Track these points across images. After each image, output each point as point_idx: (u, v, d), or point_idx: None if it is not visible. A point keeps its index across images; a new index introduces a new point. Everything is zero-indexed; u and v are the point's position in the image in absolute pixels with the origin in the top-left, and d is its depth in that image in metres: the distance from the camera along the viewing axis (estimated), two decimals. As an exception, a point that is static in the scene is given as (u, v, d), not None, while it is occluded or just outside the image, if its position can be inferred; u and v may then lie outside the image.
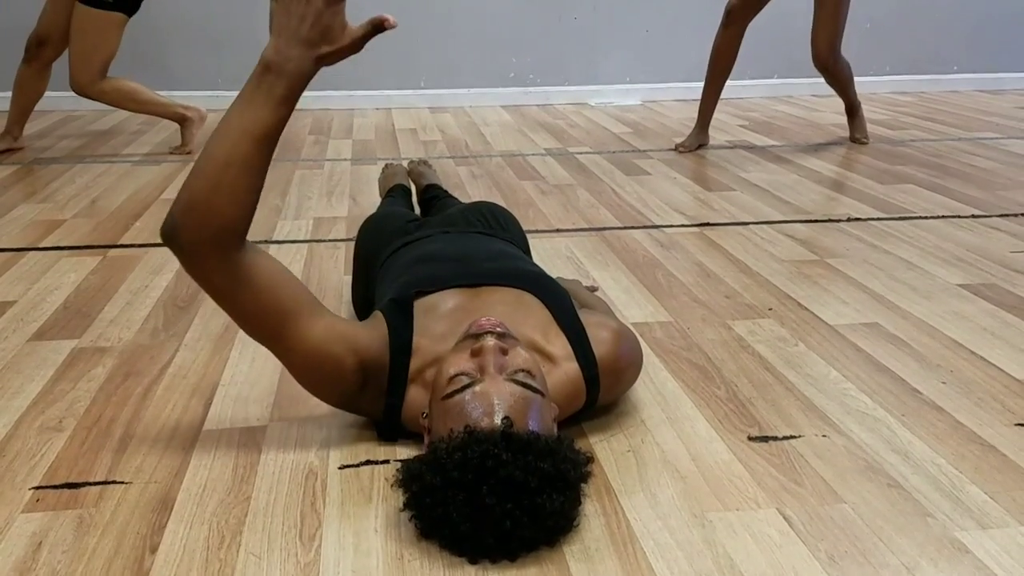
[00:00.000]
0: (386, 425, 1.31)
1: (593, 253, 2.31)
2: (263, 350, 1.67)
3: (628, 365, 1.38)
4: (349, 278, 2.04)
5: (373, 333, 1.29)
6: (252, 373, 1.60)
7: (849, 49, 5.09)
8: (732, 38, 3.46)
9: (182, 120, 3.54)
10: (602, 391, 1.33)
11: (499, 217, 1.89)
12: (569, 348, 1.30)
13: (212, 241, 1.16)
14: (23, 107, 3.45)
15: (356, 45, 1.15)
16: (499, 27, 4.87)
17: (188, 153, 3.48)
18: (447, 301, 1.36)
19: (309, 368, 1.27)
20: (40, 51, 3.33)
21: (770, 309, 1.90)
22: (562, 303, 1.39)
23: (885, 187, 2.98)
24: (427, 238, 1.68)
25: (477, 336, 1.19)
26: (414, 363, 1.27)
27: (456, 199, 2.50)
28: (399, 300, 1.35)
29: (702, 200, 2.85)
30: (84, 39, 3.23)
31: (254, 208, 1.18)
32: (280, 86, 1.13)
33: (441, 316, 1.33)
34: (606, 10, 4.94)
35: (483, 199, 2.81)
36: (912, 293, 1.99)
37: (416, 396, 1.28)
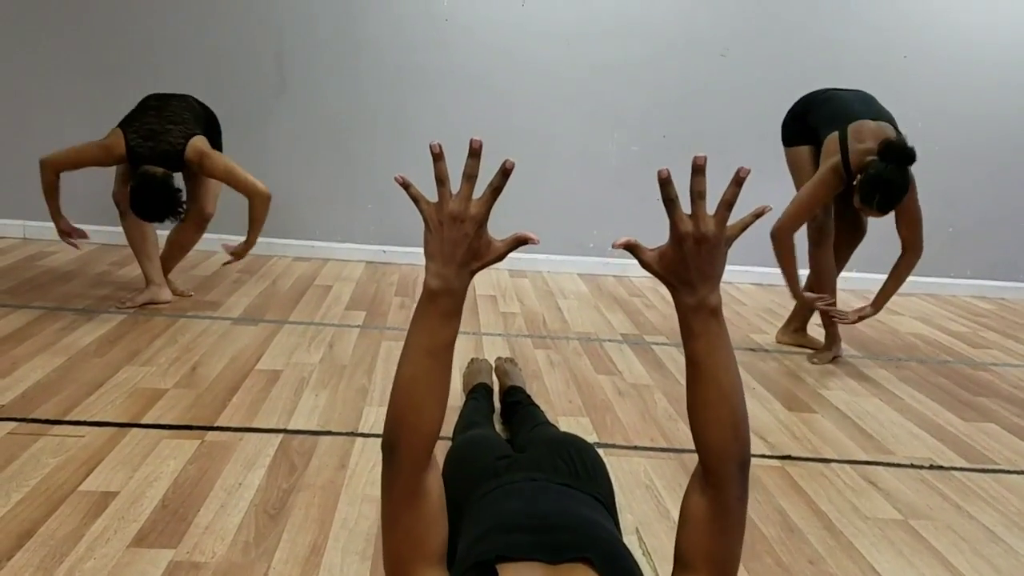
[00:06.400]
0: None
1: (671, 482, 2.32)
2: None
3: None
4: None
5: None
6: (339, 613, 1.63)
7: (931, 251, 5.13)
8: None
9: (147, 282, 3.65)
10: None
11: (587, 462, 1.92)
12: None
13: (411, 456, 1.23)
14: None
15: (501, 257, 1.25)
16: (583, 200, 5.04)
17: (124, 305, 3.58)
18: (523, 574, 1.39)
19: None
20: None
21: (854, 585, 1.88)
22: None
23: (966, 425, 2.95)
24: (513, 486, 1.73)
25: None
26: None
27: (539, 408, 2.56)
28: (483, 565, 1.38)
29: (783, 422, 2.85)
30: None
31: (441, 421, 1.25)
32: (446, 304, 1.22)
33: None
34: (688, 196, 5.07)
35: (565, 419, 2.88)
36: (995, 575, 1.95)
37: None
